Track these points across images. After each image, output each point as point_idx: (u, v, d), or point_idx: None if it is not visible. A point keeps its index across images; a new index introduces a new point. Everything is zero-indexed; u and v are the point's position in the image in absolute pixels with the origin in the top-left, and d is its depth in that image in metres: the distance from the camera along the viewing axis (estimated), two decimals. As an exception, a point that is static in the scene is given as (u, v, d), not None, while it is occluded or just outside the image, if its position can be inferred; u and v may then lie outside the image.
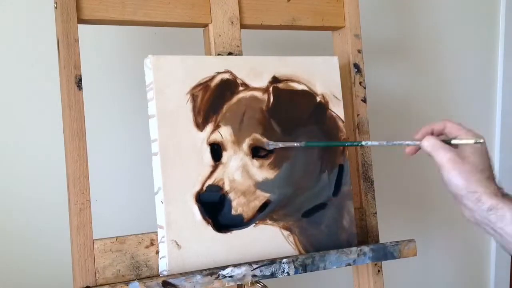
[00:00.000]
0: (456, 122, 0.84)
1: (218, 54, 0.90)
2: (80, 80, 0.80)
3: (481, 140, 0.79)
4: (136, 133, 1.10)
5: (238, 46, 0.92)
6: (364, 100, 1.02)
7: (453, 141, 0.81)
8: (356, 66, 1.02)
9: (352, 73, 1.02)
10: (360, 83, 1.02)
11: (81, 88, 0.80)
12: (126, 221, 1.08)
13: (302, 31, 1.04)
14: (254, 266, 0.83)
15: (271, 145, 0.88)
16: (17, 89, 1.05)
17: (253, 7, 0.94)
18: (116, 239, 0.81)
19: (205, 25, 0.92)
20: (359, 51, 1.03)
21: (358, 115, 1.02)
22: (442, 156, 0.78)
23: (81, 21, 0.82)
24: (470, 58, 1.58)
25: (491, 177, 0.79)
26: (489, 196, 0.76)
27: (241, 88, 0.88)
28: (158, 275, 0.82)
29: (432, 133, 0.84)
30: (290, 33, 1.07)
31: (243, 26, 0.93)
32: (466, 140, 0.80)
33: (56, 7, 0.81)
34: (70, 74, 0.80)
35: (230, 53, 0.91)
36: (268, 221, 0.88)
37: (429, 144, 0.80)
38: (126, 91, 1.12)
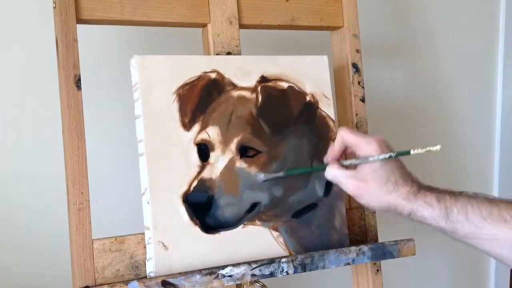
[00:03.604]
0: (350, 128, 0.83)
1: (217, 54, 0.91)
2: (79, 80, 0.81)
3: (388, 155, 0.78)
4: (135, 133, 1.10)
5: (237, 46, 0.92)
6: (363, 100, 1.02)
7: (357, 162, 0.80)
8: (355, 66, 1.02)
9: (350, 73, 1.02)
10: (359, 82, 1.02)
11: (80, 88, 0.81)
12: (125, 221, 1.08)
13: (301, 31, 1.04)
14: (253, 265, 0.83)
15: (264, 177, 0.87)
16: (16, 89, 1.05)
17: (251, 6, 0.94)
18: (115, 239, 0.81)
19: (204, 25, 0.92)
20: (358, 51, 1.03)
21: (357, 115, 1.02)
22: (346, 187, 0.80)
23: (80, 21, 0.82)
24: (470, 58, 1.58)
25: (399, 180, 0.78)
26: (402, 203, 0.77)
27: (228, 88, 0.88)
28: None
29: (341, 153, 0.83)
30: (289, 33, 1.08)
31: (242, 26, 0.94)
32: (372, 158, 0.78)
33: (55, 7, 0.81)
34: (69, 74, 0.80)
35: (229, 53, 0.91)
36: (257, 222, 0.87)
37: (331, 175, 0.82)
38: (125, 91, 1.11)
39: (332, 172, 0.82)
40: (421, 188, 0.79)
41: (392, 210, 0.78)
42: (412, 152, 0.77)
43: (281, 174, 0.88)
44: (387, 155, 0.78)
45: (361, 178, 0.79)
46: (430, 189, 0.79)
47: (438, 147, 0.74)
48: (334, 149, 0.84)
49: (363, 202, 0.80)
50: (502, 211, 0.72)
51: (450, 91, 1.56)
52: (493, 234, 0.72)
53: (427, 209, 0.76)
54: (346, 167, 0.82)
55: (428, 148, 0.75)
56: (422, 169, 1.55)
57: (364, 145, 0.79)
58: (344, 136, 0.82)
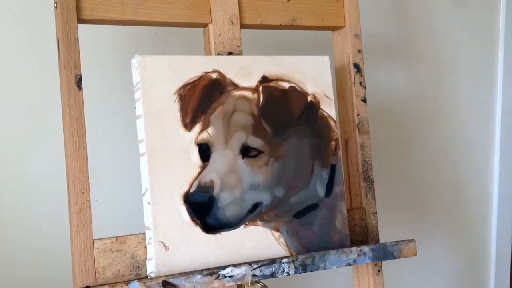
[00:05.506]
0: None
1: (218, 54, 0.90)
2: (80, 79, 0.81)
3: None
4: (136, 133, 1.10)
5: (238, 46, 0.92)
6: (364, 100, 1.02)
7: None
8: (356, 66, 1.02)
9: (352, 73, 1.02)
10: (360, 83, 1.02)
11: (81, 88, 0.81)
12: (126, 221, 1.08)
13: (303, 31, 1.04)
14: (254, 266, 0.83)
15: None
16: (17, 89, 1.05)
17: (253, 7, 0.94)
18: (116, 239, 0.81)
19: (205, 25, 0.92)
20: (359, 51, 1.03)
21: (358, 115, 1.02)
22: None
23: (81, 21, 0.82)
24: (470, 58, 1.58)
25: None
26: None
27: (230, 88, 0.87)
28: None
29: None
30: (290, 33, 1.08)
31: (243, 26, 0.93)
32: None
33: (56, 7, 0.81)
34: (70, 74, 0.80)
35: (230, 53, 0.91)
36: (259, 222, 0.87)
37: None
38: (126, 91, 1.11)
39: None
40: None
41: None
42: None
43: None
44: None
45: None
46: None
47: None
48: None
49: None
50: None
51: (451, 91, 1.56)
52: None
53: None
54: None
55: None
56: (422, 169, 1.55)
57: None
58: None
